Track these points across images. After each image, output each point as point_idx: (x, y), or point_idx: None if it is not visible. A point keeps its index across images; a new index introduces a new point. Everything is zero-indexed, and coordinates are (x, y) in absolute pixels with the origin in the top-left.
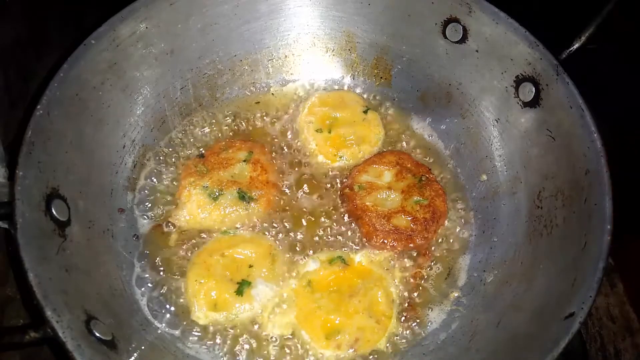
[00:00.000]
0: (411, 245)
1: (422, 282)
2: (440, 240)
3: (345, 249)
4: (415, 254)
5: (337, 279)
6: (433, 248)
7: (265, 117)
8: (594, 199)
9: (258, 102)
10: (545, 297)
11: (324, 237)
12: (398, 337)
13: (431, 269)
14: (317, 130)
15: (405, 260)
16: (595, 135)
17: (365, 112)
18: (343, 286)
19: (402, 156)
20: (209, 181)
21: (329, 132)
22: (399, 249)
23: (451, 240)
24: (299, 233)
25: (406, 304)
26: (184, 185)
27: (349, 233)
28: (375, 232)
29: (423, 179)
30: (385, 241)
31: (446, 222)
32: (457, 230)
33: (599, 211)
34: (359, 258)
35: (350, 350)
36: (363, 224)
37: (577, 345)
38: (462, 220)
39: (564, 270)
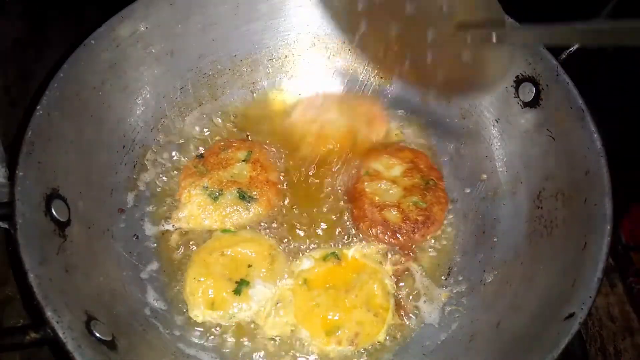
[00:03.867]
0: (393, 241)
1: (421, 282)
2: (440, 240)
3: (344, 241)
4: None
5: (333, 275)
6: (428, 248)
7: (265, 117)
8: (594, 199)
9: (258, 102)
10: (545, 298)
11: (325, 237)
12: (397, 329)
13: (425, 268)
14: None
15: (396, 255)
16: (595, 135)
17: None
18: (339, 282)
19: (419, 155)
20: (209, 181)
21: None
22: (383, 241)
23: (451, 240)
24: (300, 233)
25: (402, 303)
26: (184, 186)
27: (350, 232)
28: (363, 217)
29: (430, 183)
30: (371, 230)
31: (445, 222)
32: (458, 230)
33: (599, 211)
34: (352, 253)
35: (351, 346)
36: (355, 207)
37: (577, 345)
38: (462, 220)
39: (564, 271)
